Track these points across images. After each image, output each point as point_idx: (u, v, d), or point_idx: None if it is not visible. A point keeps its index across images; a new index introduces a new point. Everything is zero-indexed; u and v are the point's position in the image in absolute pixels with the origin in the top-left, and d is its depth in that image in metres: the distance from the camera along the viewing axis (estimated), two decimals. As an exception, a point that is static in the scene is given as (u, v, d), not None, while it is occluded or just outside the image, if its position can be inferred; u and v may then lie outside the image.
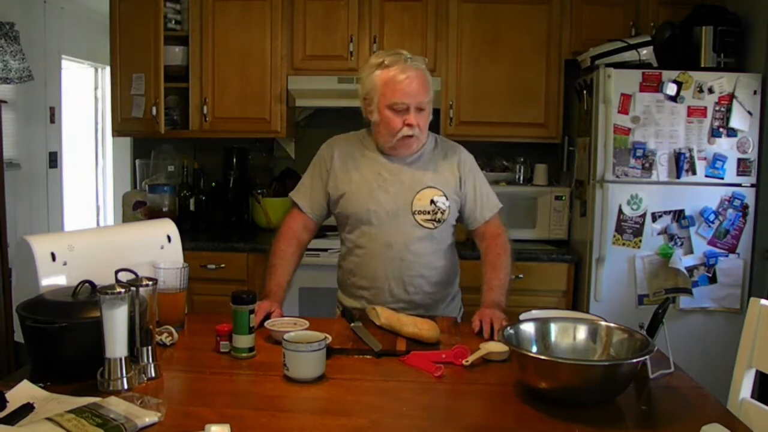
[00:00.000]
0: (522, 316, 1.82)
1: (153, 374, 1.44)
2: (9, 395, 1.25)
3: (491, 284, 1.96)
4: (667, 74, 2.90)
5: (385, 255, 1.99)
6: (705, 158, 2.92)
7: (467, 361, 1.54)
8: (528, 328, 1.50)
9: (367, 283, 2.04)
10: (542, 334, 1.51)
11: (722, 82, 2.90)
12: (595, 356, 1.47)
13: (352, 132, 2.12)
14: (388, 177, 2.00)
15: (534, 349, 1.48)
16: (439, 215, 2.00)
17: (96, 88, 6.02)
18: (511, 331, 1.47)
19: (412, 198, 1.99)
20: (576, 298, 3.18)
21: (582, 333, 1.51)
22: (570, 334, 1.52)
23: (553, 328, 1.53)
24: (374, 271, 2.02)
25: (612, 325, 1.50)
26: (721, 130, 2.91)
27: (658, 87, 2.90)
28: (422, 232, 1.99)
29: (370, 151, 2.04)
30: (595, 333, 1.50)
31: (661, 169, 2.93)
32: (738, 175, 2.93)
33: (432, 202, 1.99)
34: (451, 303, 2.12)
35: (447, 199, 2.01)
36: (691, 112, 2.91)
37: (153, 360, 1.45)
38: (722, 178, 2.93)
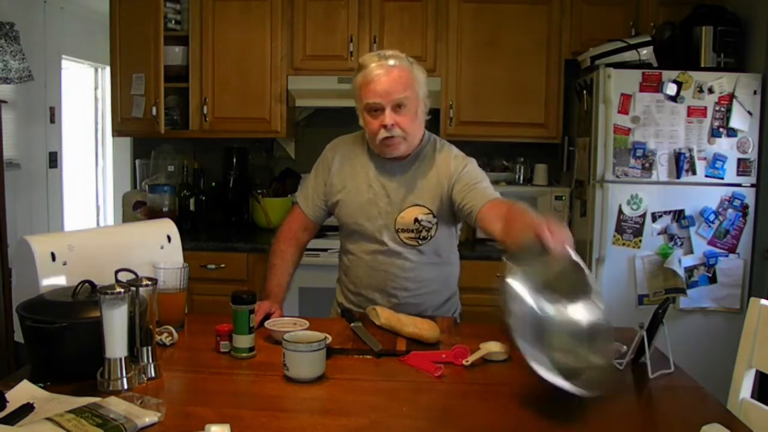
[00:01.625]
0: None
1: (153, 374, 1.44)
2: (9, 395, 1.25)
3: (505, 216, 1.60)
4: (667, 74, 2.90)
5: (370, 266, 1.98)
6: (705, 158, 2.92)
7: (467, 361, 1.54)
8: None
9: (353, 288, 2.04)
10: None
11: (722, 82, 2.90)
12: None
13: (356, 132, 2.08)
14: (378, 190, 1.95)
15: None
16: (423, 233, 1.93)
17: (96, 88, 6.02)
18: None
19: (396, 216, 1.93)
20: (576, 298, 3.17)
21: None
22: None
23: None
24: (360, 279, 2.01)
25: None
26: (721, 130, 2.91)
27: (658, 87, 2.90)
28: (407, 249, 1.95)
29: (366, 156, 1.99)
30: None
31: (661, 169, 2.93)
32: (738, 175, 2.93)
33: (416, 220, 1.92)
34: (441, 307, 2.05)
35: (434, 216, 1.92)
36: (691, 112, 2.91)
37: (153, 360, 1.45)
38: (722, 178, 2.93)
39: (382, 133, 1.84)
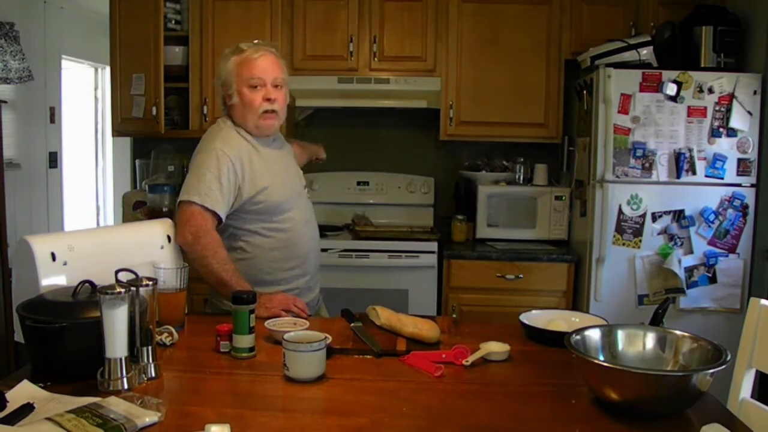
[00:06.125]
0: (522, 316, 1.82)
1: (153, 374, 1.44)
2: (9, 395, 1.25)
3: None
4: (667, 74, 2.90)
5: (307, 230, 2.13)
6: (705, 158, 2.92)
7: (467, 361, 1.54)
8: (594, 335, 1.45)
9: (298, 261, 2.10)
10: (609, 342, 1.47)
11: (722, 82, 2.90)
12: (668, 366, 1.42)
13: (223, 132, 2.06)
14: (280, 162, 2.14)
15: (601, 357, 1.42)
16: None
17: (96, 88, 6.02)
18: (578, 338, 1.42)
19: (301, 174, 2.24)
20: (576, 298, 3.18)
21: (650, 341, 1.47)
22: (638, 343, 1.48)
23: (620, 335, 1.49)
24: (302, 248, 2.11)
25: (680, 333, 1.47)
26: (721, 130, 2.91)
27: (658, 87, 2.90)
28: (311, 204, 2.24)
29: (255, 143, 2.07)
30: (664, 341, 1.46)
31: (661, 169, 2.93)
32: (738, 175, 2.93)
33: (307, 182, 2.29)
34: None
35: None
36: (691, 112, 2.91)
37: (153, 360, 1.45)
38: (722, 178, 2.93)
39: (265, 106, 2.02)
